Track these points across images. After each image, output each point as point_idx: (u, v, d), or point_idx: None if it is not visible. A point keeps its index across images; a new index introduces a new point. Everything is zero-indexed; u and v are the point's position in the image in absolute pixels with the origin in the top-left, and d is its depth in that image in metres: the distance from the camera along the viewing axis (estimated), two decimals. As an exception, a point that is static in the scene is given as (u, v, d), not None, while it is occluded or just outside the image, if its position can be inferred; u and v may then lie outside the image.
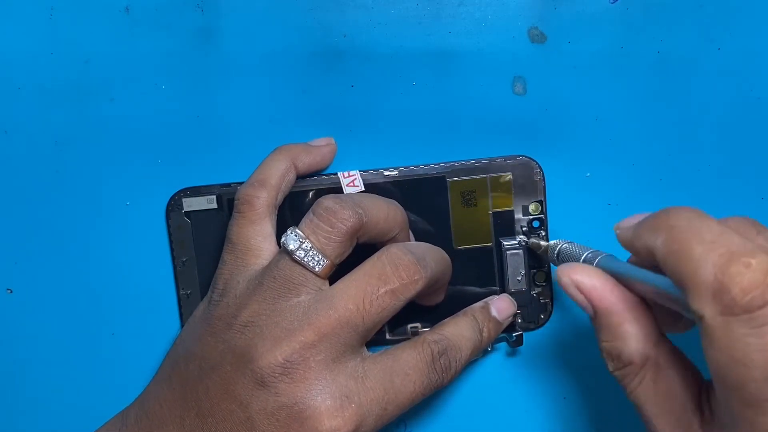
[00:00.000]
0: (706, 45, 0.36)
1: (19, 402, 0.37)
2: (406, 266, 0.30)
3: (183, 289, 0.36)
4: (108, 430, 0.32)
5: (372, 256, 0.30)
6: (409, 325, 0.37)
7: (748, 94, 0.36)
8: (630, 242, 0.26)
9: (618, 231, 0.27)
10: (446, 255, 0.33)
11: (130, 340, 0.37)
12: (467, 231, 0.36)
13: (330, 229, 0.29)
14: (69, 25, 0.36)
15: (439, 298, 0.35)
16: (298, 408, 0.28)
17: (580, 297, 0.27)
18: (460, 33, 0.36)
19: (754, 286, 0.21)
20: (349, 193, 0.35)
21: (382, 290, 0.29)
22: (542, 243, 0.35)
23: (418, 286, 0.30)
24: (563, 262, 0.32)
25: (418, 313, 0.36)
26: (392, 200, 0.33)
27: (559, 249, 0.32)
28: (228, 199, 0.36)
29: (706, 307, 0.21)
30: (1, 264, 0.37)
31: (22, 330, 0.37)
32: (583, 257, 0.30)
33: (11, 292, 0.37)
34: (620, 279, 0.27)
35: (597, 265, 0.28)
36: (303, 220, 0.30)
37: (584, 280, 0.27)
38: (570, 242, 0.32)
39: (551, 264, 0.33)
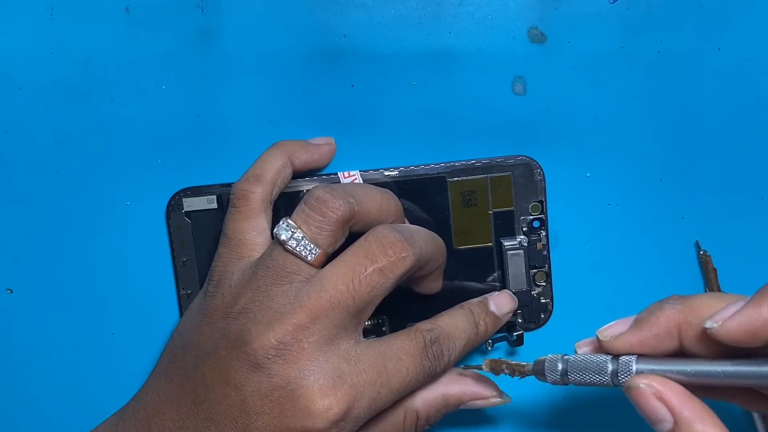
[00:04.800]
0: (706, 45, 0.36)
1: (19, 402, 0.37)
2: (393, 243, 0.30)
3: (183, 289, 0.36)
4: (106, 427, 0.33)
5: (360, 238, 0.30)
6: (409, 324, 0.37)
7: (748, 94, 0.36)
8: (752, 331, 0.24)
9: (720, 328, 0.25)
10: (438, 237, 0.33)
11: (130, 340, 0.37)
12: (468, 231, 0.36)
13: (321, 219, 0.30)
14: (69, 25, 0.36)
15: (437, 285, 0.35)
16: (290, 388, 0.28)
17: (659, 406, 0.26)
18: (460, 33, 0.36)
19: None
20: (341, 183, 0.35)
21: (370, 269, 0.29)
22: (527, 366, 0.30)
23: (407, 263, 0.30)
24: (575, 377, 0.29)
25: (419, 310, 0.36)
26: (386, 189, 0.33)
27: (568, 362, 0.29)
28: (228, 199, 0.36)
29: None
30: (1, 264, 0.37)
31: (22, 330, 0.37)
32: (610, 367, 0.27)
33: (11, 292, 0.37)
34: (685, 380, 0.26)
35: (651, 370, 0.27)
36: (295, 210, 0.31)
37: (662, 387, 0.26)
38: (571, 356, 0.29)
39: (556, 385, 0.30)
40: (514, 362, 0.31)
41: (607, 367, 0.28)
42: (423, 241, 0.31)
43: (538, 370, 0.30)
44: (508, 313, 0.35)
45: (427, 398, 0.33)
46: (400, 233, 0.30)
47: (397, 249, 0.30)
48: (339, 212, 0.30)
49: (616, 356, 0.28)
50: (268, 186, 0.33)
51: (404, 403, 0.33)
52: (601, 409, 0.38)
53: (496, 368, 0.32)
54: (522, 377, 0.31)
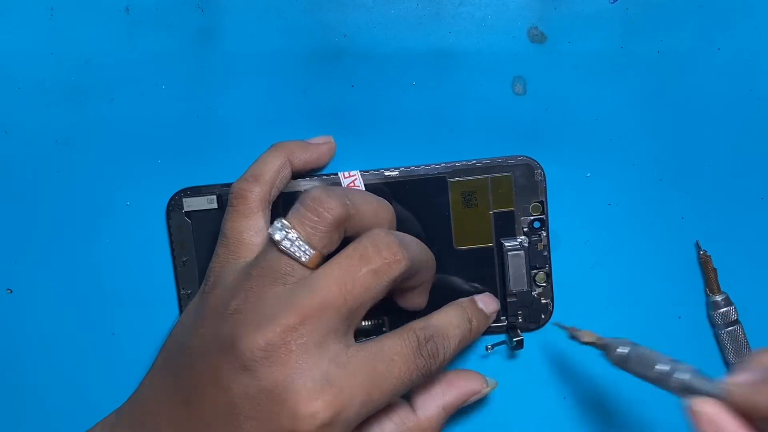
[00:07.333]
0: (706, 45, 0.36)
1: (19, 401, 0.37)
2: (388, 246, 0.29)
3: (183, 289, 0.36)
4: (103, 425, 0.33)
5: (354, 240, 0.30)
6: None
7: (748, 94, 0.36)
8: (751, 399, 0.25)
9: (732, 387, 0.25)
10: (429, 250, 0.33)
11: (130, 339, 0.37)
12: (468, 231, 0.36)
13: (316, 219, 0.29)
14: (69, 25, 0.36)
15: (422, 300, 0.35)
16: (277, 391, 0.28)
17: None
18: (460, 33, 0.36)
19: None
20: (339, 186, 0.34)
21: (364, 270, 0.29)
22: (602, 342, 0.31)
23: (401, 267, 0.29)
24: (632, 368, 0.30)
25: (417, 313, 0.36)
26: (383, 198, 0.33)
27: (628, 353, 0.30)
28: (228, 199, 0.36)
29: None
30: (1, 264, 0.37)
31: (22, 330, 0.37)
32: (667, 368, 0.28)
33: (11, 292, 0.37)
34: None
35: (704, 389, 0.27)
36: (291, 210, 0.30)
37: (723, 420, 0.26)
38: (635, 344, 0.30)
39: (616, 367, 0.31)
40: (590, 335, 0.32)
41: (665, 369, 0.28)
42: (417, 249, 0.31)
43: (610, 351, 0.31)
44: (494, 312, 0.35)
45: (431, 416, 0.33)
46: (396, 237, 0.30)
47: (393, 251, 0.29)
48: (335, 213, 0.29)
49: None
50: (266, 186, 0.33)
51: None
52: (599, 408, 0.38)
53: (578, 337, 0.33)
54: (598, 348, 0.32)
